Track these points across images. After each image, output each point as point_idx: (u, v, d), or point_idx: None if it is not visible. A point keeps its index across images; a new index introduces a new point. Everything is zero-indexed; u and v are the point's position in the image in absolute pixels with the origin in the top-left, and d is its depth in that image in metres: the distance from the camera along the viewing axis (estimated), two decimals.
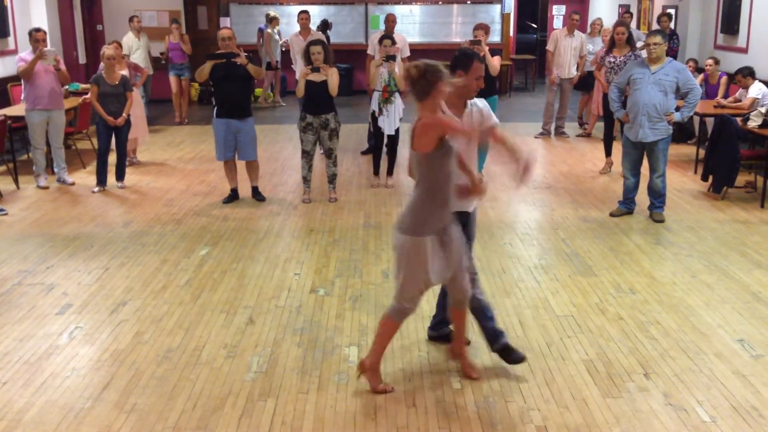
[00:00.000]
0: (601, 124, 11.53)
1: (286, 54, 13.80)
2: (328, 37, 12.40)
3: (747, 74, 8.88)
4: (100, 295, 5.28)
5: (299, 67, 9.61)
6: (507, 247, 6.32)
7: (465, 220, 4.14)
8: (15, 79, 9.55)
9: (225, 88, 7.35)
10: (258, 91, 14.91)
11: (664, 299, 5.19)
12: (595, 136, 11.18)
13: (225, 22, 14.96)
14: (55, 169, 8.53)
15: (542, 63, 15.77)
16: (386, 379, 4.09)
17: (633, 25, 12.93)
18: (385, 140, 8.52)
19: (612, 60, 8.63)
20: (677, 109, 6.82)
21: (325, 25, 13.83)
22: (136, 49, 11.65)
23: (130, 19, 11.85)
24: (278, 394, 3.96)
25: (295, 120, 9.50)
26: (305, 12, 10.36)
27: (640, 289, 5.39)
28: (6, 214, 7.26)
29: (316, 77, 7.30)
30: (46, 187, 8.27)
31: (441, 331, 4.49)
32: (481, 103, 4.20)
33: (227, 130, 7.42)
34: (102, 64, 8.11)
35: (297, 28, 13.49)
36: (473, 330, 4.39)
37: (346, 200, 7.78)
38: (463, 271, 3.91)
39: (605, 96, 8.57)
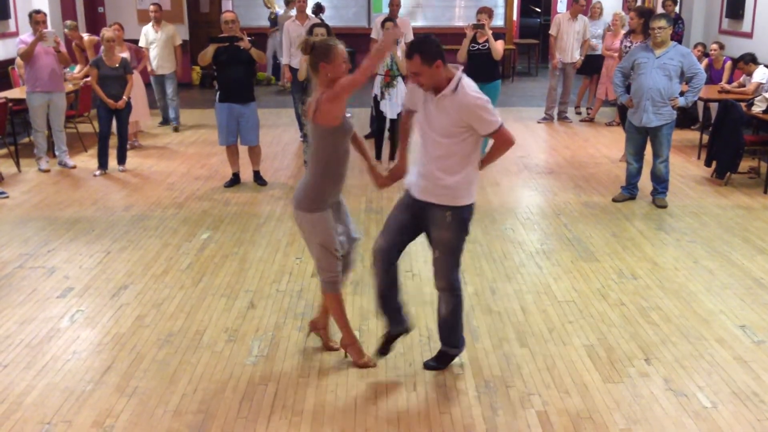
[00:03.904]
0: (604, 110, 11.51)
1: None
2: (322, 21, 12.29)
3: (749, 60, 8.83)
4: (102, 279, 5.28)
5: (287, 54, 9.50)
6: (509, 232, 6.31)
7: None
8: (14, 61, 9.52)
9: (228, 72, 7.30)
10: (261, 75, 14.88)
11: (666, 285, 5.18)
12: (598, 121, 11.13)
13: (227, 5, 14.87)
14: (57, 153, 8.51)
15: (545, 47, 15.67)
16: (387, 362, 4.09)
17: None
18: (387, 124, 8.47)
19: (628, 45, 8.60)
20: (681, 93, 6.79)
21: (318, 8, 13.72)
22: (152, 41, 10.30)
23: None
24: (279, 379, 3.96)
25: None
26: None
27: (642, 274, 5.37)
28: (7, 197, 7.25)
29: None
30: (48, 171, 8.25)
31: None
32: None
33: (230, 114, 7.38)
34: (102, 47, 8.07)
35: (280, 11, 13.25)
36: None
37: (348, 185, 7.63)
38: (353, 243, 4.10)
39: None
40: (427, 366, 4.06)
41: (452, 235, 3.76)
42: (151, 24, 10.36)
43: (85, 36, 10.39)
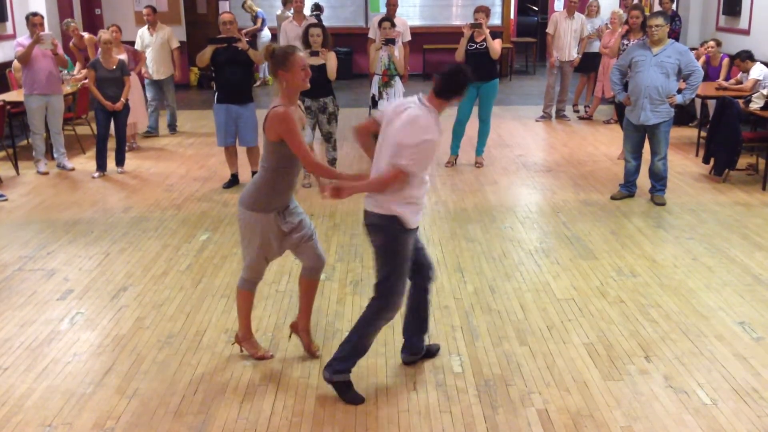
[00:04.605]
0: (602, 107, 11.52)
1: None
2: (320, 21, 12.27)
3: (745, 58, 8.84)
4: (101, 281, 5.28)
5: None
6: (508, 230, 6.31)
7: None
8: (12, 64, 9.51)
9: (226, 73, 7.30)
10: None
11: (665, 282, 5.19)
12: (596, 119, 11.14)
13: (224, 6, 14.87)
14: (55, 155, 8.51)
15: (543, 46, 15.69)
16: (388, 362, 4.10)
17: None
18: None
19: (626, 43, 8.62)
20: (679, 91, 6.79)
21: (317, 8, 13.73)
22: (147, 45, 9.95)
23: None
24: (279, 379, 3.96)
25: None
26: None
27: (641, 272, 5.38)
28: (6, 199, 7.25)
29: (314, 61, 7.25)
30: (46, 173, 8.25)
31: (415, 357, 4.12)
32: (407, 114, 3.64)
33: (228, 115, 7.38)
34: (99, 49, 8.07)
35: (278, 11, 13.13)
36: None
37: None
38: (313, 240, 4.04)
39: None
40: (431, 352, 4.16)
41: None
42: (146, 27, 10.08)
43: (85, 35, 10.36)
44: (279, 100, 3.76)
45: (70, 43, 10.24)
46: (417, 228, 3.78)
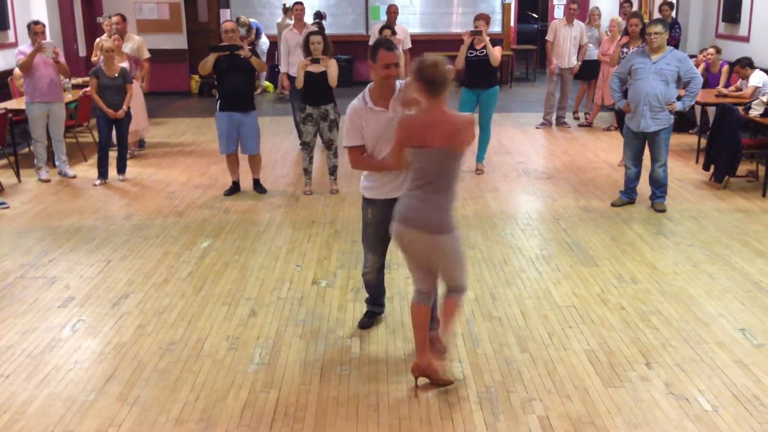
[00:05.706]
0: (602, 114, 11.54)
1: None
2: (322, 28, 12.32)
3: (745, 65, 8.86)
4: (103, 288, 5.29)
5: (285, 63, 9.56)
6: (508, 237, 6.32)
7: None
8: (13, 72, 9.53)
9: (228, 81, 7.32)
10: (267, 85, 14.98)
11: (666, 289, 5.20)
12: (596, 126, 11.16)
13: (225, 14, 14.92)
14: (57, 162, 8.53)
15: (543, 53, 15.72)
16: (389, 369, 4.10)
17: None
18: None
19: (626, 51, 8.65)
20: (678, 98, 6.81)
21: (319, 16, 13.79)
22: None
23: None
24: (281, 386, 3.97)
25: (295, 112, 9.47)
26: (300, 3, 9.96)
27: (642, 278, 5.39)
28: (7, 207, 7.27)
29: (315, 68, 7.29)
30: (48, 180, 8.27)
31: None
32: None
33: (230, 123, 7.40)
34: (101, 57, 8.10)
35: (278, 19, 13.17)
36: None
37: (348, 192, 7.77)
38: None
39: None
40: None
41: None
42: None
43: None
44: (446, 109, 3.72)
45: (100, 39, 9.31)
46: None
